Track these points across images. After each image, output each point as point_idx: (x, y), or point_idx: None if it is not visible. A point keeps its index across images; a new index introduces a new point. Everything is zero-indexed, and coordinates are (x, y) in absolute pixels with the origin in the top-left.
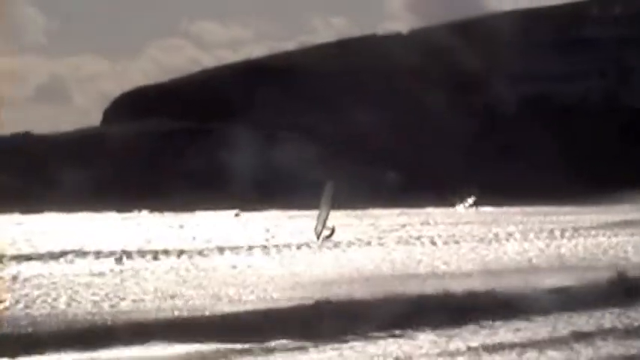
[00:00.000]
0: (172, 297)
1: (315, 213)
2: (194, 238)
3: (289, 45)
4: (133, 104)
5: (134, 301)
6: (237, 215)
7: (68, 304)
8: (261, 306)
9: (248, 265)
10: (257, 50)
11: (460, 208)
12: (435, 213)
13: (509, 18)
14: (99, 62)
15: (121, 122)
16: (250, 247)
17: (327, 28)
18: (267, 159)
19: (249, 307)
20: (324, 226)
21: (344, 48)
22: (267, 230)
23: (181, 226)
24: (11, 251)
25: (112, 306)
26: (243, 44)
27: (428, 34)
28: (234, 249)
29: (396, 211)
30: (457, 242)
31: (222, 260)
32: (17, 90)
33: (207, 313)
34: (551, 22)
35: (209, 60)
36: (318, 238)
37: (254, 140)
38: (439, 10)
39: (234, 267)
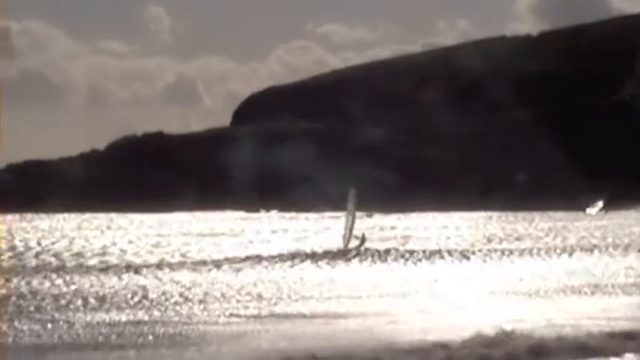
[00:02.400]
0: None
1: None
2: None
3: (414, 47)
4: (263, 105)
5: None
6: (369, 216)
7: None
8: None
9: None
10: (382, 52)
11: (590, 211)
12: (563, 216)
13: (635, 20)
14: (226, 64)
15: (250, 123)
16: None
17: (451, 30)
18: (395, 160)
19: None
20: (351, 234)
21: (471, 50)
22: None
23: (327, 228)
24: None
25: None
26: (368, 46)
27: (557, 36)
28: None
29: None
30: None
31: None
32: (147, 90)
33: None
34: None
35: (335, 61)
36: (346, 247)
37: (381, 141)
38: (564, 13)
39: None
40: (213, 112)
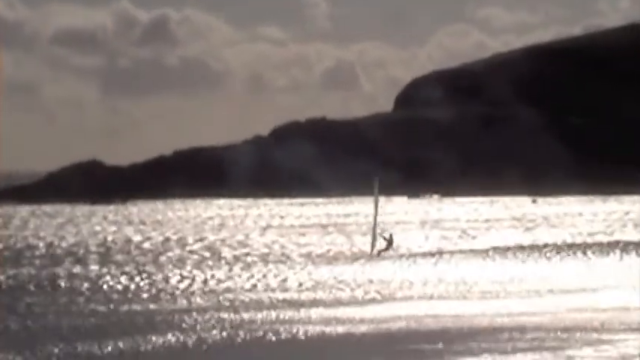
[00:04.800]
0: None
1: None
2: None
3: (576, 29)
4: (425, 89)
5: None
6: (534, 202)
7: None
8: None
9: None
10: (543, 35)
11: None
12: None
13: None
14: (384, 48)
15: (412, 108)
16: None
17: (613, 12)
18: (554, 145)
19: None
20: (375, 233)
21: (635, 31)
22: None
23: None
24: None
25: None
26: (529, 29)
27: None
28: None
29: None
30: None
31: None
32: (306, 76)
33: None
34: None
35: (495, 45)
36: (372, 250)
37: (543, 125)
38: None
39: None
40: (372, 97)
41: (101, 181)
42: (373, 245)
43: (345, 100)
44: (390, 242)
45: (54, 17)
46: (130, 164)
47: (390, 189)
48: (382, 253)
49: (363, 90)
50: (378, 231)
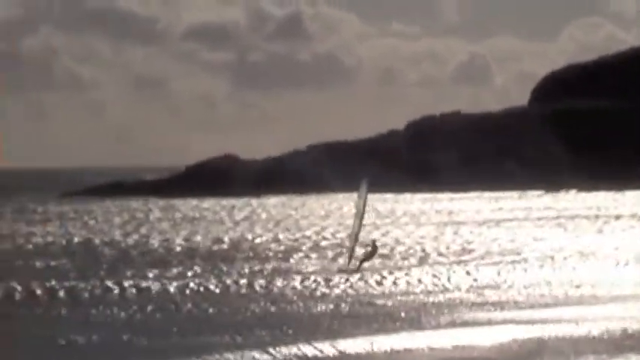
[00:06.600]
0: None
1: None
2: None
3: None
4: (561, 83)
5: None
6: None
7: None
8: None
9: None
10: None
11: None
12: None
13: None
14: (516, 42)
15: (548, 102)
16: None
17: None
18: None
19: None
20: (355, 242)
21: None
22: None
23: None
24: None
25: None
26: None
27: None
28: None
29: None
30: None
31: None
32: (437, 70)
33: None
34: None
35: (628, 38)
36: (349, 262)
37: None
38: None
39: None
40: (505, 91)
41: (237, 175)
42: (351, 255)
43: (476, 95)
44: (374, 250)
45: (186, 13)
46: (264, 158)
47: (524, 184)
48: (364, 264)
49: (494, 84)
50: (361, 239)
